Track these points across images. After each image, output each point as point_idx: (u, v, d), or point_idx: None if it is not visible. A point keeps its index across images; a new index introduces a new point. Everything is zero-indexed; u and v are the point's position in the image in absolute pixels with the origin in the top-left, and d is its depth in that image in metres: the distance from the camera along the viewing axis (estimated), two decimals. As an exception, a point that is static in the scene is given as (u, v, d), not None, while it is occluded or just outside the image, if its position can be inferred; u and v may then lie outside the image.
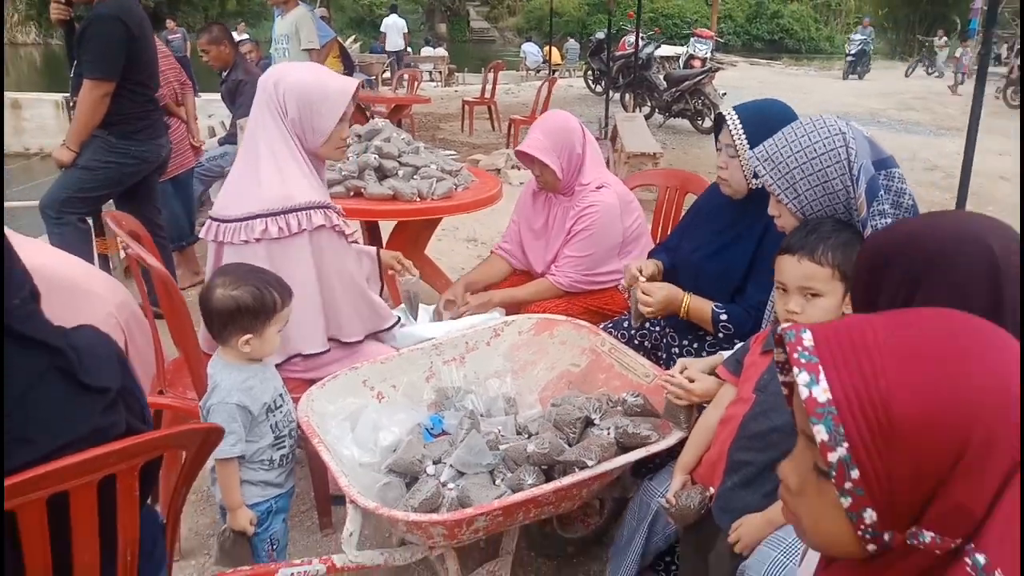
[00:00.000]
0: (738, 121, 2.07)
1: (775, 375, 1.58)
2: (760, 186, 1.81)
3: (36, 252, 1.78)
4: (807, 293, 1.58)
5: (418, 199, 3.07)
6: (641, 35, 11.65)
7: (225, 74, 5.18)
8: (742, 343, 1.90)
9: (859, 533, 0.72)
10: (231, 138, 4.89)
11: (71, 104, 3.46)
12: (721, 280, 2.15)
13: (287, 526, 2.02)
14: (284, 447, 1.93)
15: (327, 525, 2.46)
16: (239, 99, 4.82)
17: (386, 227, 3.61)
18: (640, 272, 2.27)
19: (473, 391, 2.30)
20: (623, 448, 1.91)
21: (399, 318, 2.45)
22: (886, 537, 0.72)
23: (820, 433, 0.70)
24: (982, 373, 0.69)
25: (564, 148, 2.68)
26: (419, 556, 1.81)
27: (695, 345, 2.31)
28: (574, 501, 1.94)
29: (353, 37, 15.66)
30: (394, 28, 18.31)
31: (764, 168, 1.72)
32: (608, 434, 1.93)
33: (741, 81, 17.26)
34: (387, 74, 15.10)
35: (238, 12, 34.27)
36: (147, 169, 3.56)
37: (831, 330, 0.75)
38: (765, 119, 2.01)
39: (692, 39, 13.24)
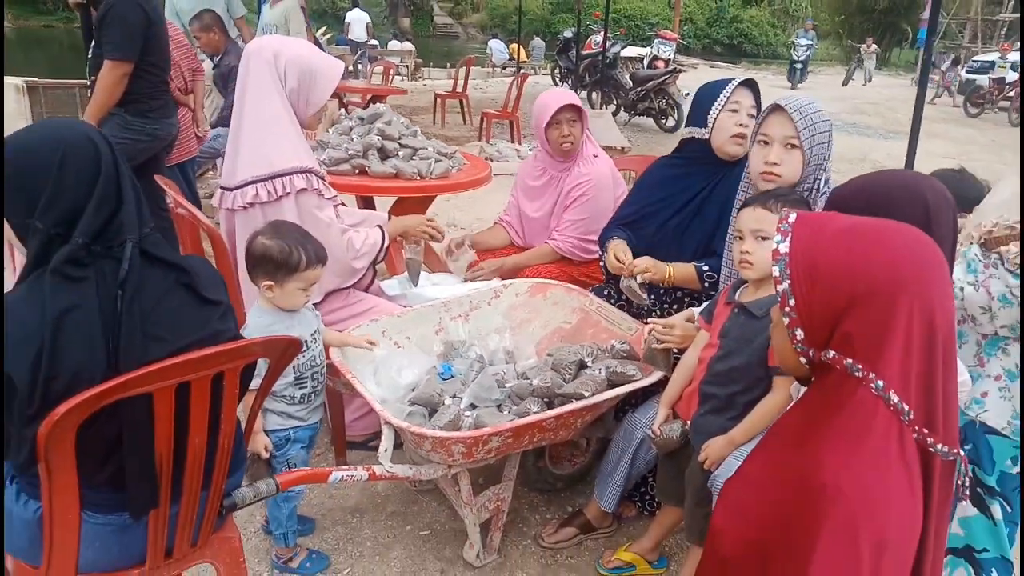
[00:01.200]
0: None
1: (735, 323, 1.94)
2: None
3: None
4: (758, 235, 1.91)
5: (418, 178, 3.37)
6: (608, 35, 12.06)
7: (217, 59, 5.39)
8: (714, 296, 2.24)
9: (794, 347, 1.12)
10: (224, 120, 5.10)
11: (90, 83, 3.67)
12: (698, 242, 2.50)
13: (308, 455, 2.28)
14: (306, 387, 2.18)
15: (342, 458, 2.75)
16: (231, 84, 5.04)
17: (382, 203, 3.89)
18: (619, 260, 2.48)
19: (476, 344, 2.61)
20: (612, 384, 2.25)
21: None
22: (810, 353, 1.12)
23: (775, 271, 1.11)
24: (883, 251, 1.07)
25: (583, 111, 3.06)
26: (439, 473, 2.11)
27: (675, 307, 2.64)
28: (569, 430, 2.27)
29: (323, 29, 15.75)
30: (358, 21, 18.46)
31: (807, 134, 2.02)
32: (600, 373, 2.26)
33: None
34: (356, 66, 15.24)
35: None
36: (158, 146, 3.79)
37: (809, 214, 1.15)
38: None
39: (656, 40, 13.67)
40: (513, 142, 9.06)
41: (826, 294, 1.08)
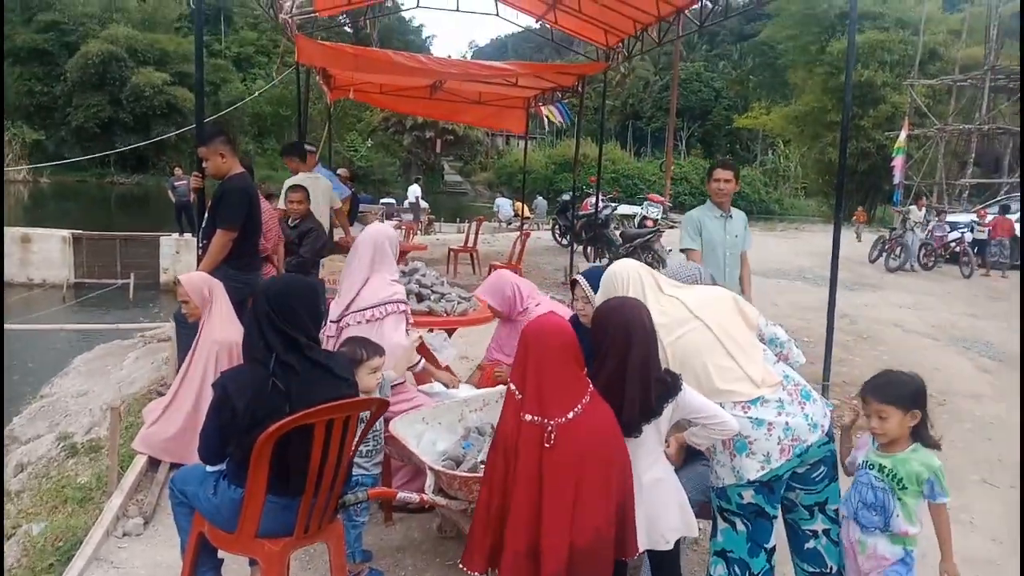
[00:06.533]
0: (586, 281, 3.48)
1: None
2: None
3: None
4: None
5: (445, 315, 4.59)
6: (601, 198, 13.71)
7: (296, 221, 6.72)
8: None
9: None
10: (291, 268, 6.36)
11: (201, 246, 4.97)
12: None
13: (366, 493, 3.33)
14: (369, 445, 3.27)
15: (388, 518, 3.78)
16: (305, 241, 6.35)
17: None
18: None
19: (488, 429, 3.71)
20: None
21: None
22: None
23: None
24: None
25: (496, 293, 4.28)
26: (462, 506, 3.16)
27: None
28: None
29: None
30: (411, 192, 23.95)
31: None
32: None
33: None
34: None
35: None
36: (248, 291, 5.00)
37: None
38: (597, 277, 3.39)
39: (645, 203, 15.36)
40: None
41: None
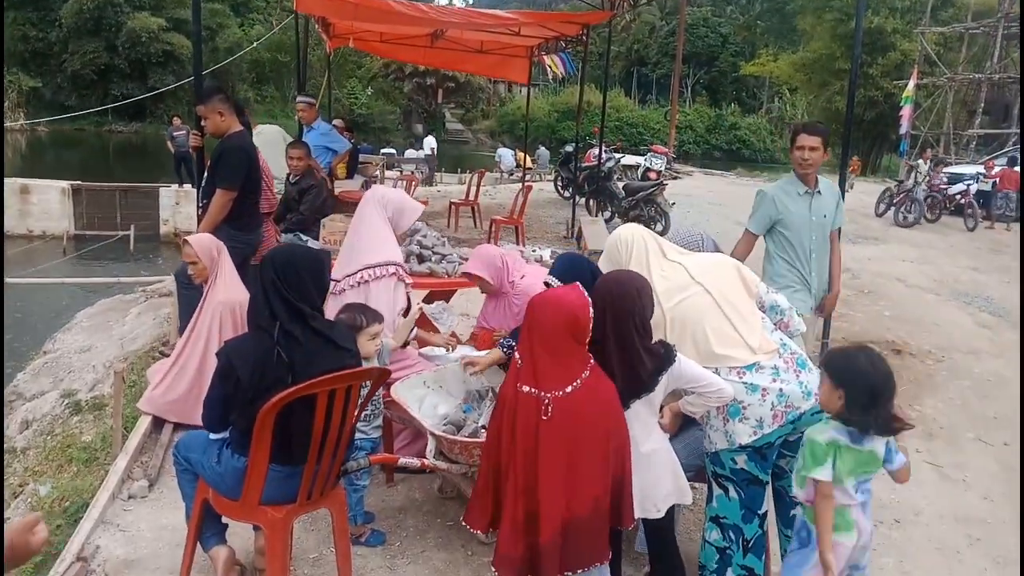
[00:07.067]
0: (557, 281, 3.04)
1: None
2: None
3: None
4: None
5: (446, 276, 4.58)
6: (604, 150, 13.57)
7: (296, 178, 6.69)
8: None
9: None
10: (293, 227, 6.32)
11: (201, 205, 4.94)
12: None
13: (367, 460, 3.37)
14: (368, 410, 3.30)
15: (390, 479, 3.84)
16: (306, 198, 6.32)
17: (418, 293, 5.07)
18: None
19: (489, 392, 3.73)
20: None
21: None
22: None
23: None
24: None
25: (488, 265, 4.10)
26: (463, 470, 3.20)
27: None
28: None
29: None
30: (427, 144, 24.50)
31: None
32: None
33: (695, 191, 19.31)
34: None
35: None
36: (250, 251, 5.02)
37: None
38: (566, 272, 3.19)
39: (649, 154, 15.21)
40: (518, 244, 10.35)
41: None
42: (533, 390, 2.41)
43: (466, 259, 4.82)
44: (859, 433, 2.44)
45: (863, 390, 2.41)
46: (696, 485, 3.13)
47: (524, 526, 2.42)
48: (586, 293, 2.49)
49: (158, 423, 4.25)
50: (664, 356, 2.57)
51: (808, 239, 4.22)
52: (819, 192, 4.25)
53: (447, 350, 4.05)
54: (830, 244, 4.39)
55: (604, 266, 3.13)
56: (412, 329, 3.74)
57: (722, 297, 2.92)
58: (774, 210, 4.21)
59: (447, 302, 4.67)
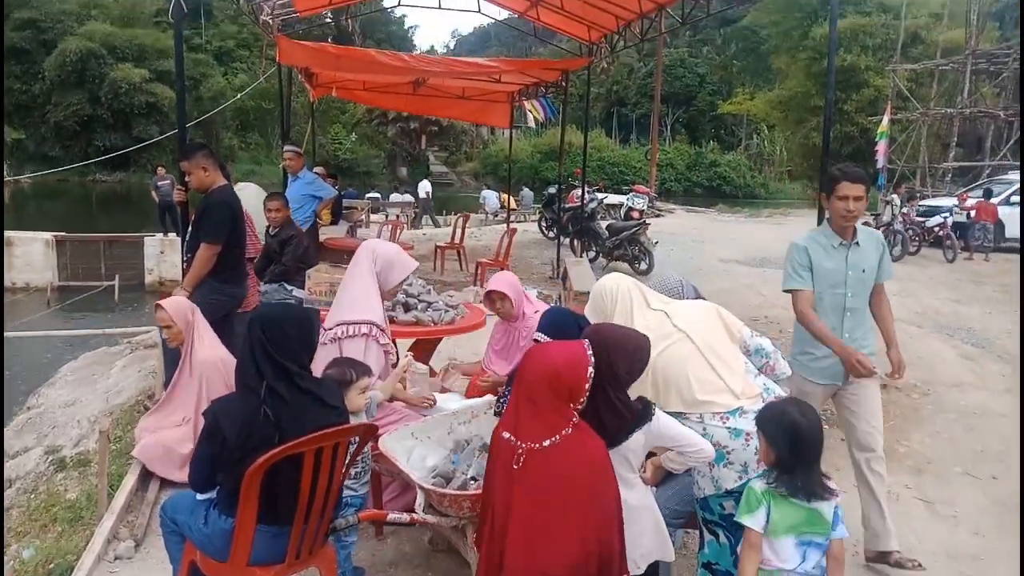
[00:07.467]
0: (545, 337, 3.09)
1: None
2: None
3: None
4: None
5: (432, 324, 4.59)
6: (587, 190, 13.73)
7: (276, 230, 6.70)
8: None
9: None
10: (275, 278, 6.34)
11: (185, 259, 4.96)
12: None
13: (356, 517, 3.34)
14: (357, 467, 3.29)
15: (380, 533, 3.80)
16: (287, 249, 6.33)
17: (404, 343, 5.08)
18: None
19: (478, 441, 3.73)
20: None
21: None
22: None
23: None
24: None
25: (515, 289, 4.27)
26: (453, 523, 3.18)
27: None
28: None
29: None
30: (422, 188, 24.77)
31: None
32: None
33: (678, 228, 19.51)
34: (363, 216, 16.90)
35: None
36: (235, 304, 5.03)
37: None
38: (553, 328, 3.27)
39: (631, 194, 15.37)
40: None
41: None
42: (512, 438, 2.41)
43: (452, 306, 4.85)
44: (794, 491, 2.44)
45: (787, 447, 2.43)
46: (690, 531, 3.14)
47: (497, 569, 2.41)
48: (589, 353, 2.42)
49: (144, 480, 4.21)
50: (641, 413, 2.54)
51: (843, 297, 3.66)
52: (857, 243, 3.68)
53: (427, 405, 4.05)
54: (876, 299, 3.80)
55: (590, 316, 3.18)
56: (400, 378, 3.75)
57: (704, 343, 2.96)
58: (807, 258, 3.68)
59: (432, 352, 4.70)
